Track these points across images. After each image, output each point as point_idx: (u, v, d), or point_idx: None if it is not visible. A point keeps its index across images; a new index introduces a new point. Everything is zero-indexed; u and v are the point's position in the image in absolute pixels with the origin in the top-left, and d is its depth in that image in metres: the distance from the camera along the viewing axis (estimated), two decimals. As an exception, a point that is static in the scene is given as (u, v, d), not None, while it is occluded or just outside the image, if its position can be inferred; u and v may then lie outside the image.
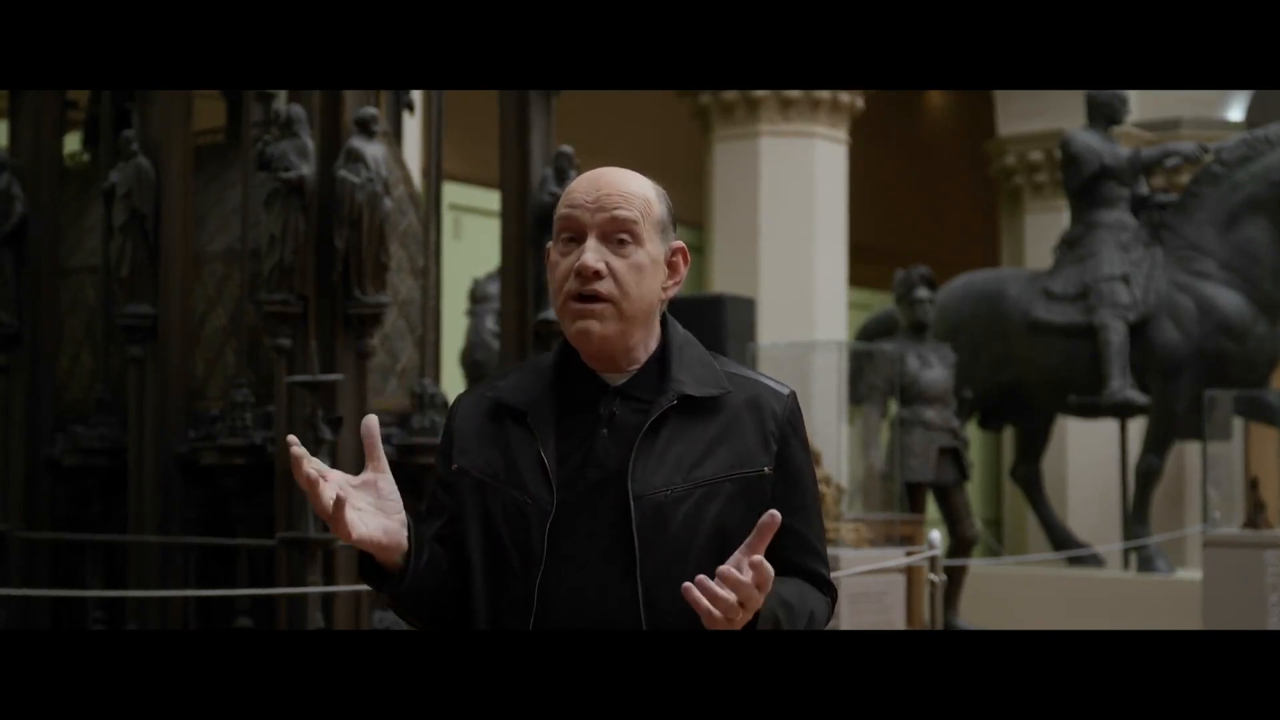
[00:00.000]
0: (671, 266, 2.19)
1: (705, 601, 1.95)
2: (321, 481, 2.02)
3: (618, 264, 2.12)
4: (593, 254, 2.11)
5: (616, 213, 2.12)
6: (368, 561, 2.13)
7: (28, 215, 6.24)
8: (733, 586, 1.95)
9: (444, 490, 2.21)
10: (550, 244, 2.19)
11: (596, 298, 2.10)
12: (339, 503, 2.01)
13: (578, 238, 2.13)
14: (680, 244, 2.21)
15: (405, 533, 2.09)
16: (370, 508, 2.08)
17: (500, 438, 2.17)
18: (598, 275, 2.10)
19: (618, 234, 2.12)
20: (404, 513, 2.10)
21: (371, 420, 2.07)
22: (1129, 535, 10.90)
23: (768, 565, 1.96)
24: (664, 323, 2.22)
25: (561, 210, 2.15)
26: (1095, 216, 10.76)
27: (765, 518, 1.97)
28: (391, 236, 5.65)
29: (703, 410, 2.15)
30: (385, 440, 5.65)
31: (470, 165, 11.00)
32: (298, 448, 2.03)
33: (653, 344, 2.20)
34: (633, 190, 2.15)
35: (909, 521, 8.89)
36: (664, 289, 2.18)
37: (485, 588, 2.15)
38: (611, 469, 2.12)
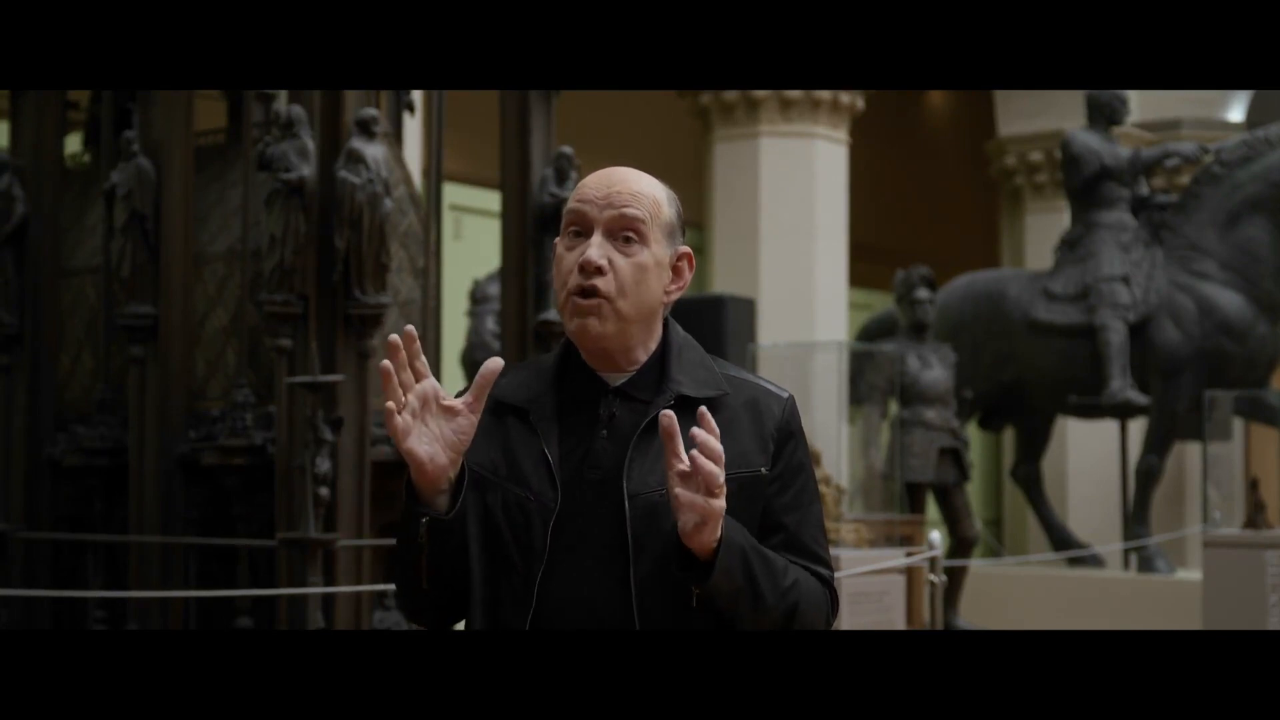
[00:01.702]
0: (676, 271, 2.20)
1: (697, 505, 1.98)
2: (403, 398, 2.04)
3: (620, 262, 2.13)
4: (596, 249, 2.12)
5: (624, 210, 2.13)
6: (408, 487, 2.13)
7: (29, 215, 6.24)
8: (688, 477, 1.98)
9: None
10: (558, 239, 2.20)
11: (596, 294, 2.11)
12: (406, 430, 2.05)
13: (584, 232, 2.15)
14: (687, 249, 2.22)
15: (451, 471, 2.08)
16: (434, 432, 2.07)
17: (502, 434, 2.18)
18: (599, 271, 2.11)
19: (623, 232, 2.14)
20: (461, 459, 2.09)
21: (496, 362, 2.07)
22: (1129, 535, 10.90)
23: (703, 434, 1.98)
24: (665, 325, 2.23)
25: (571, 204, 2.17)
26: (1095, 217, 10.76)
27: (660, 418, 1.99)
28: (392, 237, 5.64)
29: (700, 411, 2.16)
30: (385, 440, 5.69)
31: (471, 165, 11.01)
32: (397, 340, 2.04)
33: (653, 345, 2.21)
34: (643, 190, 2.16)
35: (909, 522, 8.89)
36: (667, 292, 2.19)
37: (482, 583, 2.15)
38: (609, 469, 2.13)
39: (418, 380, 2.06)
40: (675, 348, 2.21)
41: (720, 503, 2.00)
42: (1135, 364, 10.34)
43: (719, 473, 1.98)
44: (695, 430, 1.98)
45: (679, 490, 1.99)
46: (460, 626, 2.25)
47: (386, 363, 2.04)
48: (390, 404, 2.03)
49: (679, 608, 2.09)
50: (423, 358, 2.07)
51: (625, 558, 2.09)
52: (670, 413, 1.99)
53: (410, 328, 2.06)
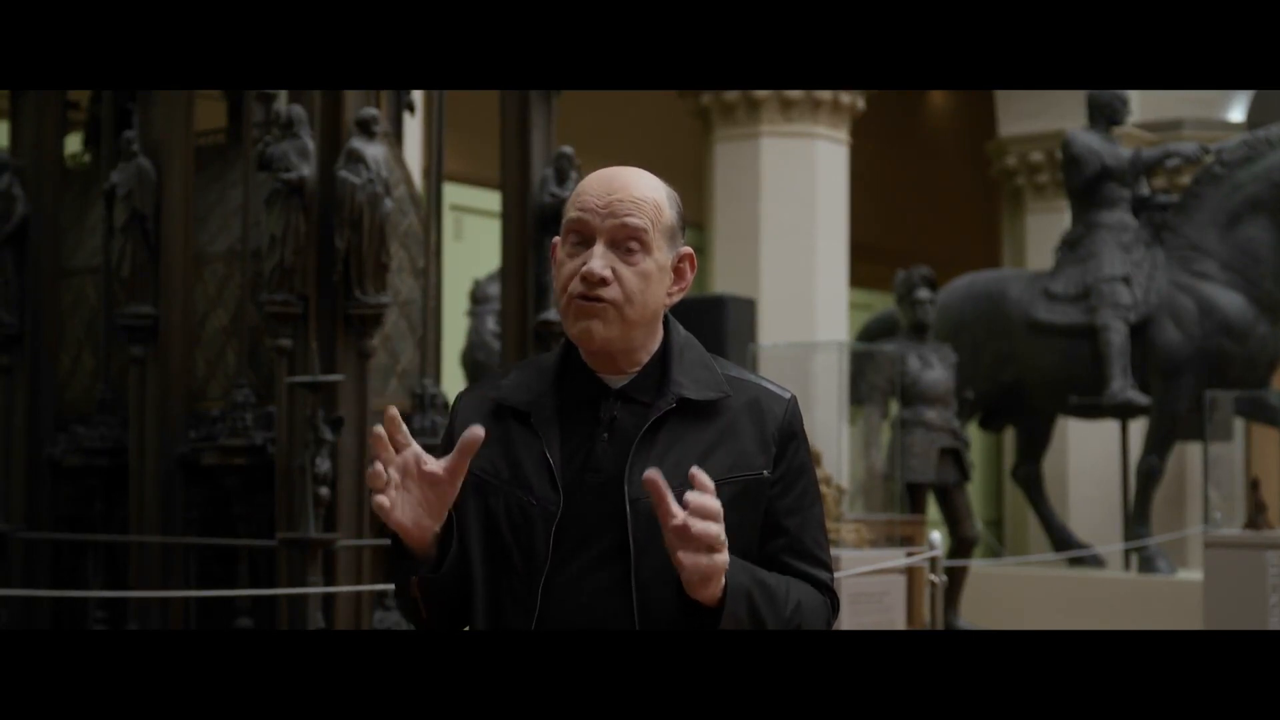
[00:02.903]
0: (678, 273, 2.19)
1: (700, 560, 1.96)
2: (385, 480, 2.04)
3: (624, 271, 2.11)
4: (599, 260, 2.10)
5: (627, 220, 2.11)
6: (397, 542, 2.13)
7: (29, 215, 6.25)
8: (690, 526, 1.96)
9: None
10: (557, 239, 2.19)
11: (600, 301, 2.11)
12: (390, 506, 2.04)
13: (586, 241, 2.13)
14: (688, 250, 2.20)
15: (436, 527, 2.09)
16: (416, 497, 2.06)
17: (503, 437, 2.17)
18: (603, 282, 2.10)
19: (626, 241, 2.12)
20: (445, 518, 2.10)
21: (477, 431, 2.04)
22: (1130, 536, 10.90)
23: (697, 495, 1.96)
24: (666, 324, 2.22)
25: (572, 211, 2.14)
26: (1096, 217, 10.76)
27: (645, 481, 1.96)
28: (392, 237, 5.65)
29: (702, 413, 2.15)
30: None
31: (471, 165, 11.01)
32: (382, 432, 2.03)
33: (654, 346, 2.20)
34: (644, 196, 2.13)
35: (910, 522, 8.88)
36: (669, 294, 2.18)
37: (485, 586, 2.15)
38: (610, 472, 2.12)
39: (398, 451, 2.05)
40: (676, 348, 2.19)
41: (723, 557, 1.98)
42: (1136, 364, 10.34)
43: (718, 531, 1.97)
44: (689, 494, 1.96)
45: (680, 554, 1.97)
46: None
47: (377, 466, 2.03)
48: (379, 497, 2.03)
49: (680, 610, 2.08)
50: (404, 431, 2.06)
51: (626, 561, 2.09)
52: (655, 472, 1.95)
53: (393, 410, 2.06)
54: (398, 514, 2.05)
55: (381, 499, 2.03)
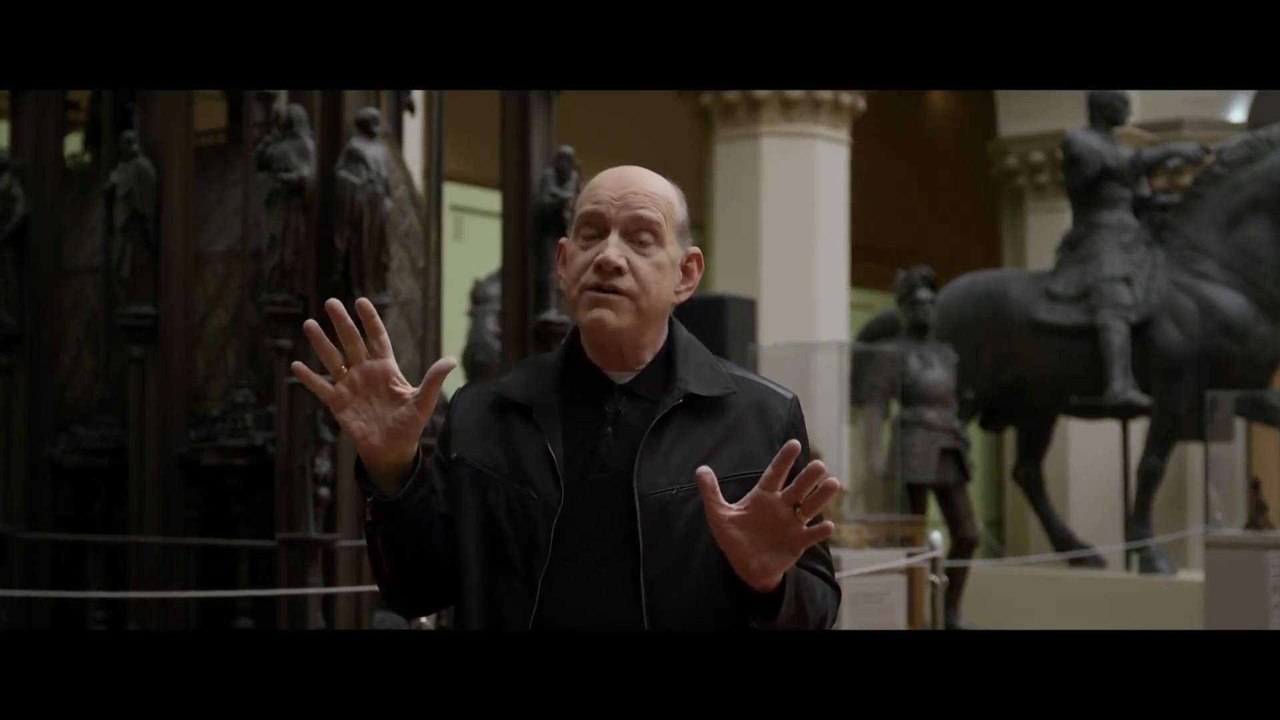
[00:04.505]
0: (686, 272, 2.21)
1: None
2: (343, 368, 2.02)
3: (639, 261, 2.13)
4: (615, 249, 2.11)
5: (641, 212, 2.13)
6: (360, 466, 2.12)
7: (29, 215, 6.24)
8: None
9: (442, 471, 2.20)
10: (564, 239, 2.20)
11: (616, 291, 2.11)
12: (338, 398, 2.03)
13: (600, 233, 2.14)
14: (697, 251, 2.22)
15: (390, 456, 2.06)
16: (375, 413, 2.04)
17: (503, 432, 2.17)
18: (619, 271, 2.11)
19: (640, 233, 2.14)
20: (402, 448, 2.06)
21: (447, 361, 2.03)
22: (1130, 536, 10.90)
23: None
24: (669, 325, 2.23)
25: (585, 206, 2.16)
26: (1097, 217, 10.76)
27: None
28: (392, 237, 5.64)
29: (707, 411, 2.15)
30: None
31: (471, 166, 11.01)
32: (342, 311, 2.00)
33: (659, 343, 2.21)
34: (658, 191, 2.16)
35: (910, 522, 8.89)
36: (676, 293, 2.19)
37: (481, 581, 2.14)
38: (616, 468, 2.12)
39: (374, 358, 2.04)
40: (681, 347, 2.21)
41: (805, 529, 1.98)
42: (1136, 365, 10.35)
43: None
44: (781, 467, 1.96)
45: (737, 533, 1.96)
46: (426, 620, 2.24)
47: (311, 322, 2.02)
48: (338, 387, 2.01)
49: (688, 607, 2.09)
50: (384, 338, 2.03)
51: (633, 557, 2.08)
52: (708, 469, 1.97)
53: (365, 301, 2.03)
54: (347, 415, 2.03)
55: (340, 389, 2.01)
